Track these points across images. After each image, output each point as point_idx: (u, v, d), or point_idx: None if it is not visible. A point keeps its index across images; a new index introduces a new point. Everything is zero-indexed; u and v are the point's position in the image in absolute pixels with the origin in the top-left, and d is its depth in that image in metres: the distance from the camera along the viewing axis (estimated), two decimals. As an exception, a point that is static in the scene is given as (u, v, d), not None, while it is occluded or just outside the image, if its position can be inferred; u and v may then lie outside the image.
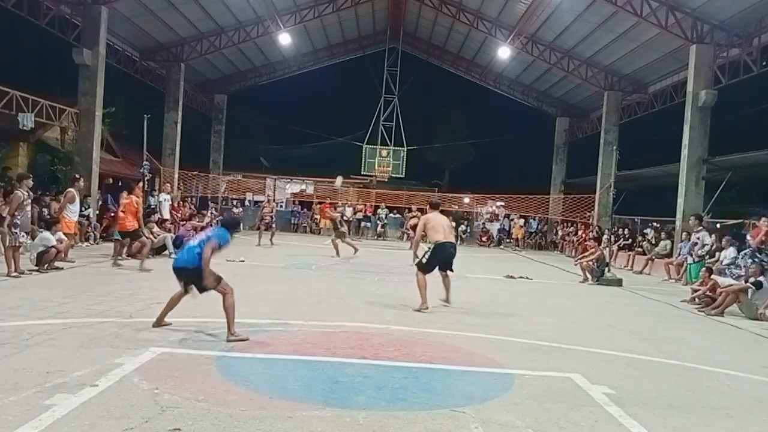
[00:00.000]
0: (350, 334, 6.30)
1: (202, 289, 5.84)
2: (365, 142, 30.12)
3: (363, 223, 26.84)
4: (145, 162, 14.60)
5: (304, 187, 32.24)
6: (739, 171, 17.13)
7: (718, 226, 15.39)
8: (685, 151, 16.76)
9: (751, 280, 9.78)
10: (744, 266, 11.24)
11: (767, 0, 14.34)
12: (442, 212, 9.27)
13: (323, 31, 27.22)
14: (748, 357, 6.66)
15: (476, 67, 28.94)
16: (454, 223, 13.02)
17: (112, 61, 19.77)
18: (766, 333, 8.19)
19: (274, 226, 18.83)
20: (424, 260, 8.31)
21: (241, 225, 7.90)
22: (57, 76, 20.42)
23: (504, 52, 22.92)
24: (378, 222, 26.85)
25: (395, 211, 28.38)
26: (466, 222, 27.99)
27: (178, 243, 13.30)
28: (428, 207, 9.28)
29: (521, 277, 13.37)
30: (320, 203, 23.89)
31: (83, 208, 14.06)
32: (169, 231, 14.02)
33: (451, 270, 8.59)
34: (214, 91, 28.98)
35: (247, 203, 28.38)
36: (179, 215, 17.97)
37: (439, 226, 8.40)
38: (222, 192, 28.58)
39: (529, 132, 30.34)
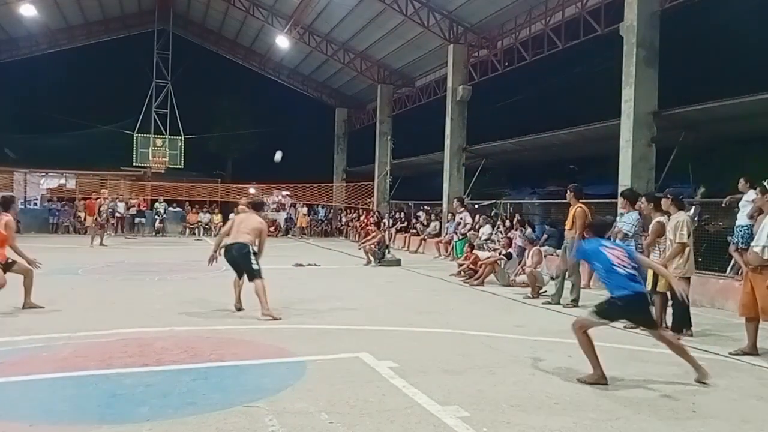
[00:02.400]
0: (128, 342, 5.76)
1: None
2: (136, 130, 27.67)
3: (137, 219, 24.53)
4: None
5: (63, 181, 28.46)
6: (492, 158, 19.63)
7: (476, 206, 17.47)
8: (447, 141, 18.69)
9: (503, 252, 11.32)
10: (497, 240, 12.96)
11: (507, 8, 16.58)
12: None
13: (78, 6, 24.16)
14: (504, 319, 7.69)
15: (255, 55, 28.45)
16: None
17: None
18: (517, 297, 9.54)
19: (106, 225, 18.09)
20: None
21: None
22: None
23: (282, 42, 22.92)
24: (156, 217, 24.89)
25: (175, 205, 26.63)
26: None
27: None
28: (243, 207, 8.81)
29: (309, 265, 13.62)
30: (85, 199, 21.39)
31: None
32: None
33: (248, 277, 7.51)
34: (-64, 68, 24.00)
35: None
36: None
37: (234, 228, 7.70)
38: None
39: (310, 122, 30.88)
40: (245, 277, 7.56)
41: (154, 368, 4.85)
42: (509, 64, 18.04)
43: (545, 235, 13.44)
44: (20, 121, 30.70)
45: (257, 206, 8.28)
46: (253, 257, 7.51)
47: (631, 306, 4.79)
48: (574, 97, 20.12)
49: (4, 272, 7.03)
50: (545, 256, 10.65)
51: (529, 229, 12.21)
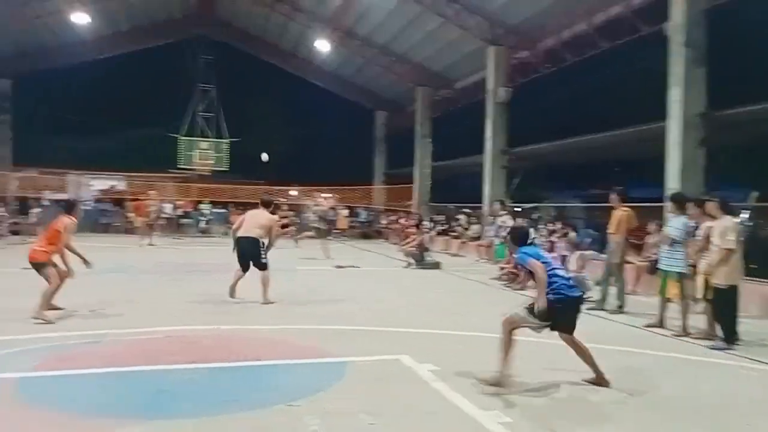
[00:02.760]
0: (173, 339, 5.91)
1: None
2: (182, 133, 28.41)
3: (183, 220, 25.24)
4: None
5: (113, 183, 29.41)
6: (533, 160, 19.33)
7: (517, 209, 17.25)
8: (488, 143, 18.51)
9: (546, 255, 11.13)
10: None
11: (547, 9, 16.33)
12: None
13: (127, 13, 24.95)
14: (545, 324, 7.55)
15: (295, 58, 28.78)
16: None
17: None
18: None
19: (155, 226, 18.82)
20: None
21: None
22: None
23: (322, 45, 23.15)
24: (201, 218, 25.51)
25: (219, 206, 27.22)
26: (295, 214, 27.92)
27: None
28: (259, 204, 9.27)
29: (350, 266, 13.70)
30: (134, 200, 22.06)
31: None
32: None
33: (256, 266, 8.28)
34: (-4, 74, 25.12)
35: (46, 203, 25.00)
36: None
37: (245, 223, 8.51)
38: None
39: (350, 125, 31.05)
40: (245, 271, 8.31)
41: (198, 366, 4.96)
42: (551, 66, 17.77)
43: (588, 240, 13.15)
44: (74, 124, 31.91)
45: (266, 204, 9.05)
46: (261, 251, 8.29)
47: (565, 309, 4.74)
48: (617, 99, 19.61)
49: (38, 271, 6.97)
50: (589, 261, 10.43)
51: (572, 233, 11.97)
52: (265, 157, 21.41)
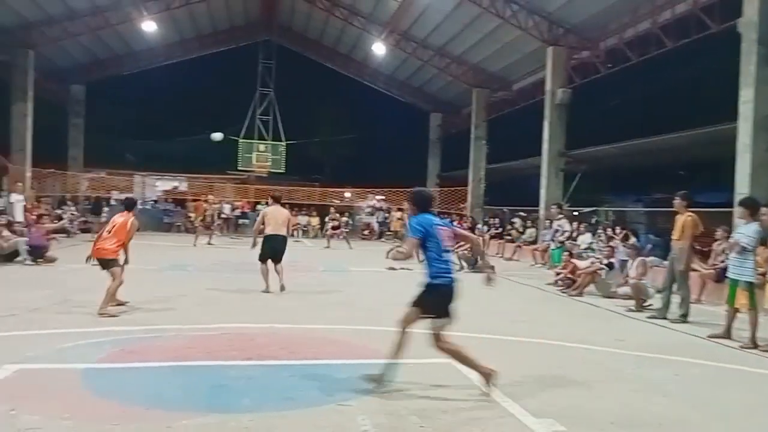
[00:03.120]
0: (232, 336, 6.09)
1: None
2: (241, 136, 29.24)
3: (241, 220, 25.97)
4: (-12, 159, 13.02)
5: (176, 184, 30.59)
6: (592, 163, 18.83)
7: (575, 213, 16.83)
8: (545, 145, 18.13)
9: (604, 261, 10.82)
10: (598, 249, 12.40)
11: (611, 7, 15.87)
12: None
13: (192, 21, 25.92)
14: (603, 332, 7.34)
15: (352, 62, 29.13)
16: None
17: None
18: (618, 309, 9.08)
19: (213, 226, 19.36)
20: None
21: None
22: None
23: (378, 48, 23.31)
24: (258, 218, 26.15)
25: (289, 207, 27.78)
26: (348, 215, 28.21)
27: (39, 253, 12.03)
28: (271, 200, 10.12)
29: (402, 269, 13.69)
30: (195, 200, 22.85)
31: None
32: (22, 235, 12.66)
33: (278, 260, 9.23)
34: (71, 81, 26.51)
35: (113, 202, 26.29)
36: (33, 217, 16.28)
37: (272, 220, 9.26)
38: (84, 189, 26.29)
39: (404, 127, 31.11)
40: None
41: (255, 362, 5.09)
42: (613, 66, 17.26)
43: (649, 245, 12.70)
44: (139, 128, 33.42)
45: (278, 199, 10.00)
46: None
47: (448, 296, 4.45)
48: (683, 99, 18.84)
49: (103, 268, 7.26)
50: (650, 267, 10.07)
51: (633, 239, 11.57)
52: (216, 136, 20.88)
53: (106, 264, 7.26)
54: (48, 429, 3.49)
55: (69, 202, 22.46)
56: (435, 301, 4.46)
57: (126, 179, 27.57)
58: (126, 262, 7.61)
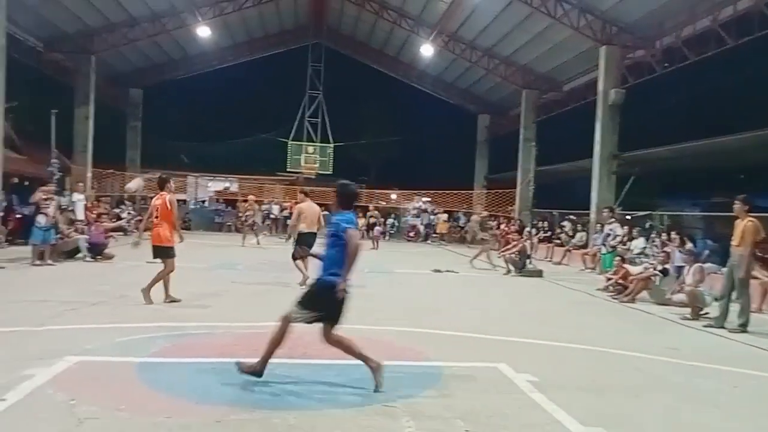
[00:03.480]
0: (279, 334, 6.19)
1: None
2: (290, 138, 29.73)
3: (289, 221, 26.38)
4: (53, 160, 13.64)
5: (227, 184, 31.38)
6: (646, 165, 18.25)
7: (628, 217, 16.32)
8: (596, 147, 17.69)
9: (659, 267, 10.46)
10: (652, 255, 12.00)
11: (667, 5, 15.35)
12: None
13: (244, 25, 26.58)
14: (655, 340, 7.11)
15: (400, 64, 29.22)
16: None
17: (12, 52, 18.34)
18: (672, 316, 8.77)
19: (257, 226, 19.72)
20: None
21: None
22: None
23: (426, 50, 23.30)
24: (305, 219, 26.52)
25: (323, 208, 28.09)
26: (393, 216, 28.27)
27: (98, 250, 12.60)
28: (302, 196, 10.41)
29: (448, 271, 13.65)
30: (245, 201, 23.36)
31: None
32: (83, 233, 13.25)
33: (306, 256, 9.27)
34: (129, 84, 27.65)
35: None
36: (94, 216, 17.01)
37: (308, 217, 9.59)
38: (138, 190, 27.23)
39: (452, 128, 30.96)
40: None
41: (301, 361, 5.17)
42: (669, 65, 16.69)
43: (707, 251, 12.20)
44: (192, 129, 34.43)
45: (308, 194, 10.37)
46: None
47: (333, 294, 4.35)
48: (744, 100, 18.04)
49: (155, 257, 7.62)
50: (708, 274, 9.68)
51: (690, 244, 11.15)
52: (132, 186, 21.20)
53: (163, 252, 7.49)
54: (105, 419, 3.64)
55: (126, 202, 23.35)
56: (330, 299, 4.47)
57: (180, 180, 28.46)
58: (180, 239, 7.90)
